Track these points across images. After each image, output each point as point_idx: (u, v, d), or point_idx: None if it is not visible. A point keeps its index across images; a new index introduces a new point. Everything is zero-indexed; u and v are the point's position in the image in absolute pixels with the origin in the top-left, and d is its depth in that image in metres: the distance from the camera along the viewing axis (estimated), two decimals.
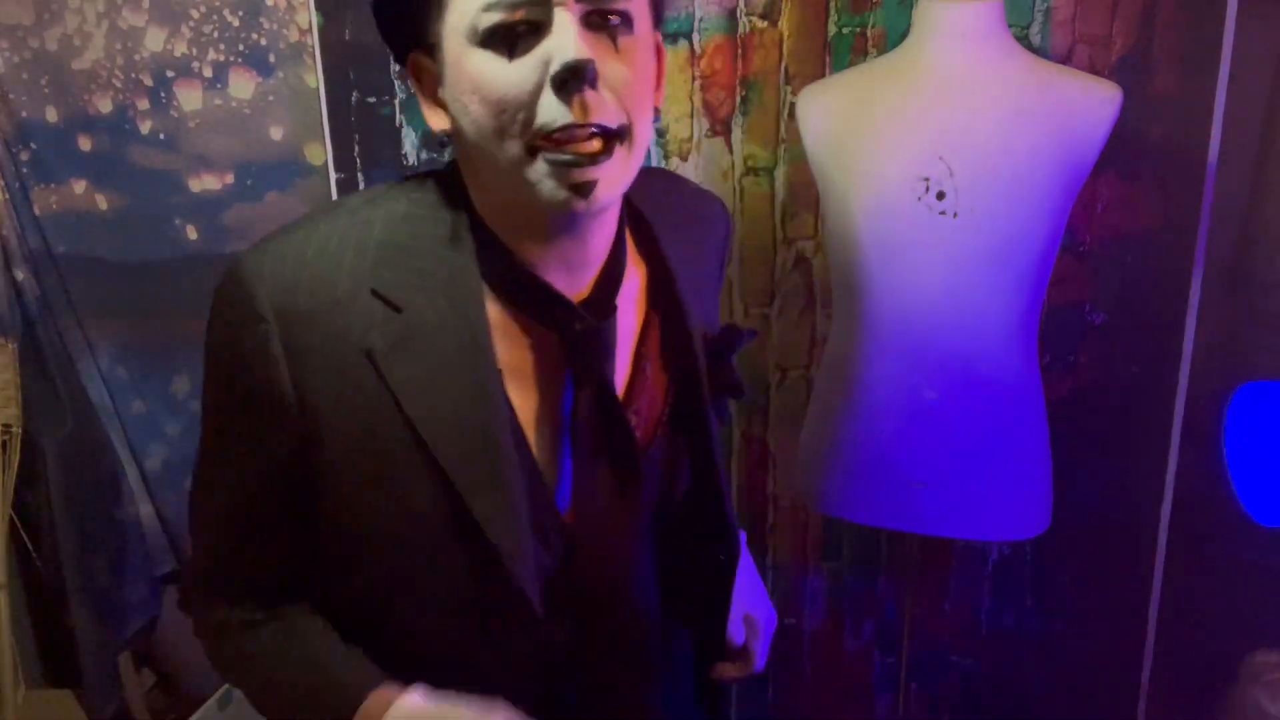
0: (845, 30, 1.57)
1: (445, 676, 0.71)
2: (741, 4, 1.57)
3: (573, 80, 0.61)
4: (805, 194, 1.63)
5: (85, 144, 1.82)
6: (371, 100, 1.67)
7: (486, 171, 0.68)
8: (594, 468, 0.74)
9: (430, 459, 0.67)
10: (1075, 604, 1.78)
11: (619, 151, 0.65)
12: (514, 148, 0.63)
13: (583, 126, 0.62)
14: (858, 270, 1.31)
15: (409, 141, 1.68)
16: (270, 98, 1.77)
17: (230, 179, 1.82)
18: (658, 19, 0.71)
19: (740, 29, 1.58)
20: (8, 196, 1.81)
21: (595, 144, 0.63)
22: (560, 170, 0.63)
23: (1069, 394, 1.66)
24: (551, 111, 0.62)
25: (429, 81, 0.70)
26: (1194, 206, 1.55)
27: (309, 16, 1.64)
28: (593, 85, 0.62)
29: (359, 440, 0.68)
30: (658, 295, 0.80)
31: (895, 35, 1.54)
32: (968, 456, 1.33)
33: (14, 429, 1.75)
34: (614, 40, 0.64)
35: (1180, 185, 1.55)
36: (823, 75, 1.58)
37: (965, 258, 1.25)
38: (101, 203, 1.85)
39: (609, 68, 0.63)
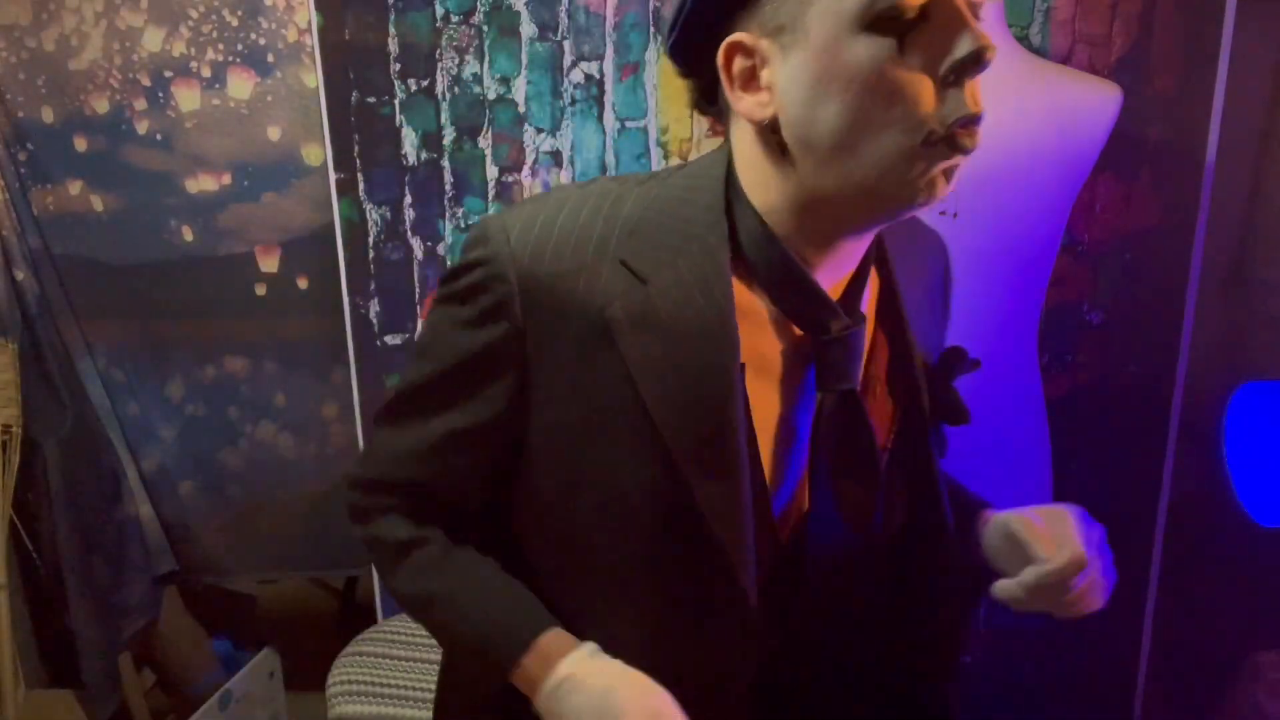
0: None
1: (648, 664, 0.68)
2: None
3: (973, 68, 0.59)
4: None
5: (81, 144, 1.82)
6: (371, 100, 1.67)
7: (828, 163, 0.63)
8: (834, 479, 0.70)
9: (656, 438, 0.66)
10: None
11: None
12: (904, 139, 0.60)
13: (976, 118, 0.61)
14: None
15: (409, 141, 1.68)
16: (269, 98, 1.76)
17: (227, 179, 1.82)
18: None
19: None
20: (7, 196, 1.81)
21: (978, 135, 0.61)
22: (947, 161, 0.61)
23: (1068, 393, 1.66)
24: (954, 103, 0.60)
25: (747, 67, 0.65)
26: (1192, 206, 1.55)
27: (308, 16, 1.64)
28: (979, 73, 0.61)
29: (584, 409, 0.67)
30: (885, 310, 0.76)
31: None
32: (967, 456, 1.33)
33: (14, 429, 1.75)
34: None
35: (1179, 185, 1.55)
36: None
37: (965, 257, 1.26)
38: (97, 203, 1.85)
39: None
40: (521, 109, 1.67)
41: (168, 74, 1.77)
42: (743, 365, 0.67)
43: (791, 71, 0.62)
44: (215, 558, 2.05)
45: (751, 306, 0.69)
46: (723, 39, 0.65)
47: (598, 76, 1.63)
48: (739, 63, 0.65)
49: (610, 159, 1.66)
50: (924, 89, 0.59)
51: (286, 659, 2.07)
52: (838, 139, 0.62)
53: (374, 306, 1.75)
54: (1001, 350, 1.31)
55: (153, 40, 1.75)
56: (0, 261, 1.78)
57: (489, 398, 0.70)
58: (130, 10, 1.74)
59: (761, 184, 0.68)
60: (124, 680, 1.98)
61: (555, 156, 1.68)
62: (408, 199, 1.71)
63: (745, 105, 0.65)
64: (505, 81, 1.65)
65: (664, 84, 1.63)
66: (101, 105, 1.79)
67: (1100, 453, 1.69)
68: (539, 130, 1.67)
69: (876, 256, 0.75)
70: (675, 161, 1.66)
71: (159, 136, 1.80)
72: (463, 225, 1.72)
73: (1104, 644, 1.79)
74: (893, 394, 0.75)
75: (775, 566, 0.72)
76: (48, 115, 1.80)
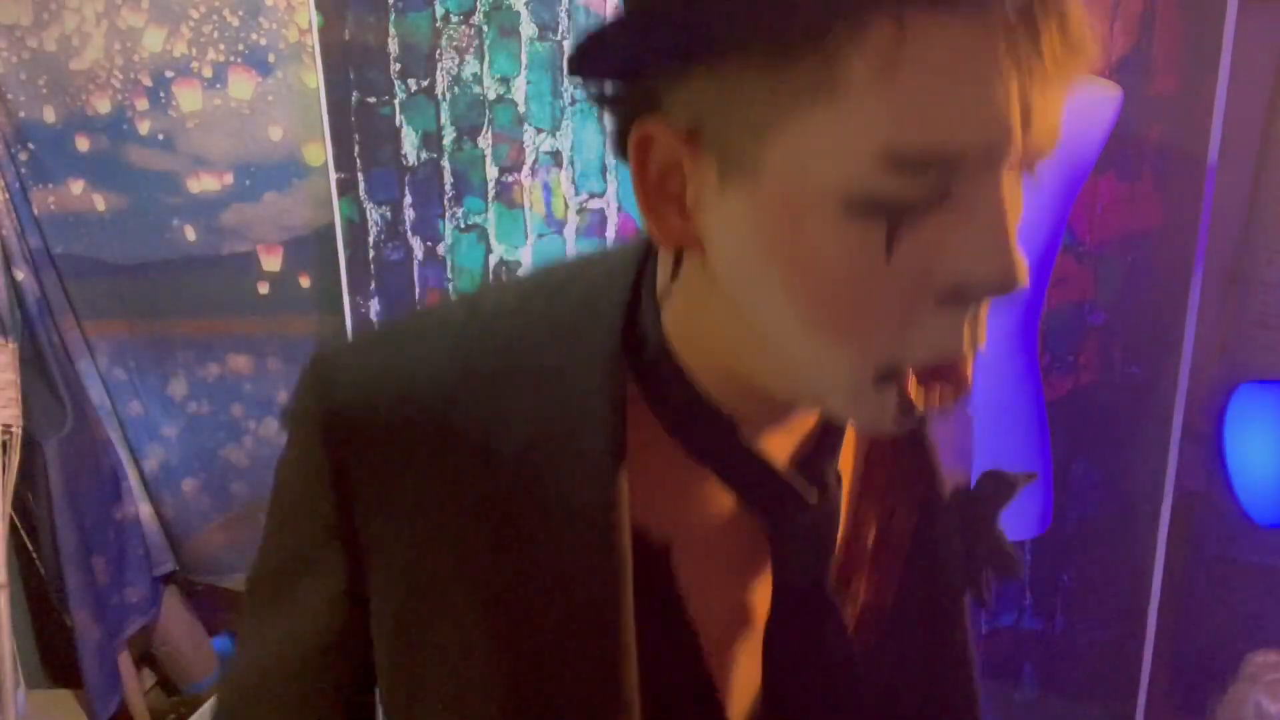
0: None
1: None
2: None
3: (985, 297, 0.40)
4: None
5: (83, 144, 1.82)
6: (371, 100, 1.67)
7: (760, 353, 0.45)
8: (795, 692, 0.54)
9: (513, 672, 0.49)
10: (1075, 603, 1.78)
11: None
12: (857, 367, 0.41)
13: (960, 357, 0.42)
14: None
15: (409, 142, 1.68)
16: (270, 98, 1.77)
17: (229, 179, 1.82)
18: None
19: None
20: (8, 196, 1.81)
21: (968, 373, 0.43)
22: (910, 408, 0.43)
23: (1069, 394, 1.66)
24: (940, 333, 0.40)
25: (668, 167, 0.43)
26: (1194, 206, 1.55)
27: (309, 16, 1.64)
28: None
29: (423, 628, 0.50)
30: (879, 448, 0.57)
31: None
32: None
33: (14, 429, 1.75)
34: None
35: (1180, 185, 1.55)
36: None
37: None
38: (99, 203, 1.85)
39: None
40: (521, 109, 1.67)
41: (169, 74, 1.77)
42: (665, 548, 0.50)
43: (728, 217, 0.42)
44: (215, 557, 2.05)
45: (679, 462, 0.50)
46: (640, 109, 0.43)
47: None
48: (657, 159, 0.43)
49: (610, 159, 1.67)
50: (905, 302, 0.40)
51: None
52: (775, 337, 0.43)
53: (374, 306, 1.75)
54: (1002, 351, 1.30)
55: (154, 40, 1.76)
56: (0, 261, 1.79)
57: (312, 610, 0.52)
58: (131, 10, 1.74)
59: (686, 314, 0.48)
60: (124, 680, 1.98)
61: (555, 156, 1.68)
62: (408, 199, 1.71)
63: (654, 222, 0.45)
64: (505, 81, 1.66)
65: None
66: (103, 105, 1.79)
67: (1102, 453, 1.68)
68: (539, 130, 1.67)
69: None
70: None
71: (161, 136, 1.80)
72: (462, 225, 1.72)
73: (1107, 644, 1.79)
74: (893, 541, 0.56)
75: None
76: (49, 115, 1.81)
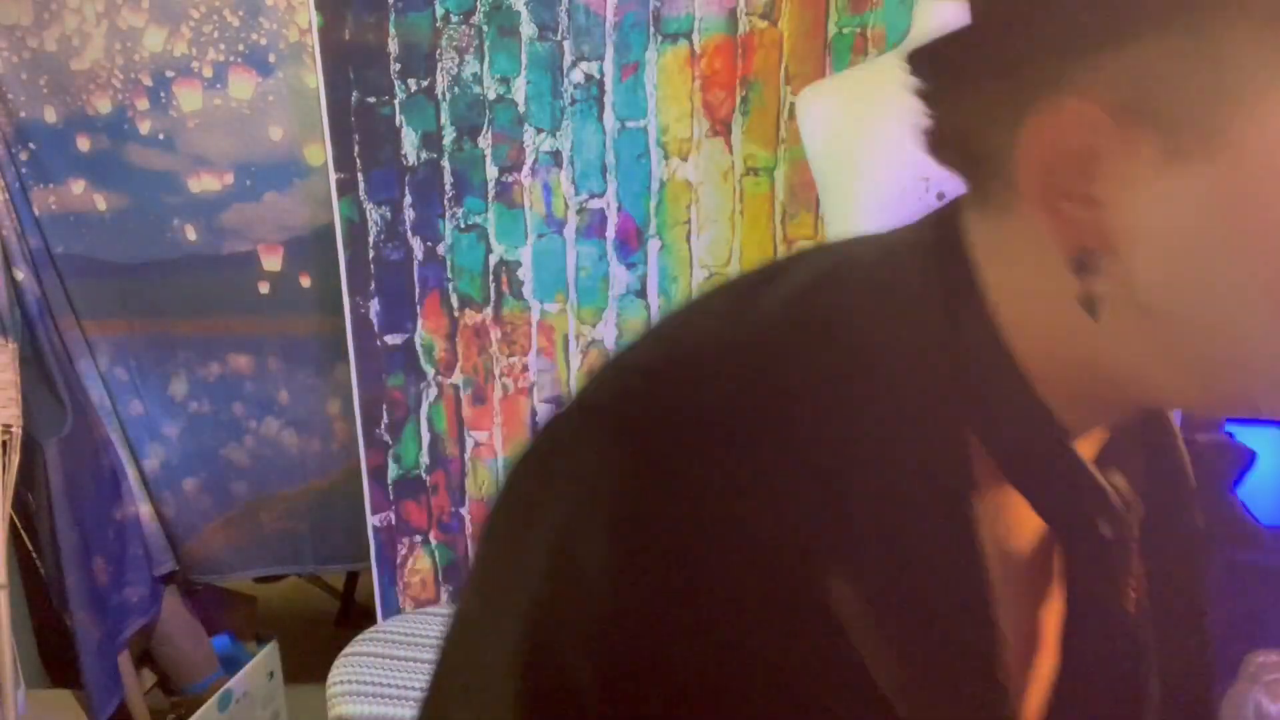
0: (845, 30, 1.57)
1: None
2: (741, 4, 1.57)
3: None
4: (805, 194, 1.63)
5: (84, 144, 1.82)
6: (371, 100, 1.67)
7: (1191, 363, 0.39)
8: (1084, 701, 0.51)
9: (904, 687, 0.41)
10: None
11: None
12: None
13: None
14: None
15: (409, 142, 1.68)
16: (270, 98, 1.77)
17: (229, 179, 1.82)
18: None
19: (740, 29, 1.58)
20: (7, 196, 1.81)
21: None
22: None
23: None
24: None
25: (1076, 153, 0.36)
26: None
27: (309, 16, 1.64)
28: None
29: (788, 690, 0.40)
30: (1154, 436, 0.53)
31: (895, 35, 1.54)
32: None
33: (14, 429, 1.75)
34: None
35: None
36: (823, 75, 1.58)
37: None
38: (100, 203, 1.85)
39: None
40: (521, 109, 1.67)
41: (169, 74, 1.77)
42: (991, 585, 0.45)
43: (1175, 201, 0.36)
44: (216, 556, 2.05)
45: (989, 480, 0.44)
46: (1032, 92, 0.36)
47: (598, 76, 1.63)
48: (1060, 147, 0.36)
49: (610, 159, 1.67)
50: None
51: (286, 654, 2.07)
52: (1229, 333, 0.37)
53: (374, 306, 1.75)
54: None
55: (154, 40, 1.76)
56: (0, 261, 1.79)
57: None
58: (131, 10, 1.74)
59: (1036, 319, 0.41)
60: (124, 680, 1.98)
61: (555, 156, 1.68)
62: (408, 199, 1.71)
63: (1054, 220, 0.38)
64: (505, 81, 1.66)
65: (664, 84, 1.63)
66: (104, 105, 1.80)
67: None
68: (539, 130, 1.67)
69: None
70: (675, 162, 1.66)
71: (161, 136, 1.81)
72: (462, 225, 1.72)
73: None
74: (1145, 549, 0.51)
75: None
76: (50, 115, 1.81)
